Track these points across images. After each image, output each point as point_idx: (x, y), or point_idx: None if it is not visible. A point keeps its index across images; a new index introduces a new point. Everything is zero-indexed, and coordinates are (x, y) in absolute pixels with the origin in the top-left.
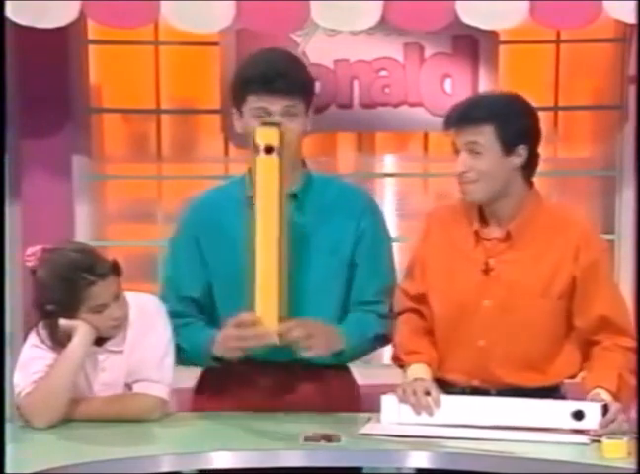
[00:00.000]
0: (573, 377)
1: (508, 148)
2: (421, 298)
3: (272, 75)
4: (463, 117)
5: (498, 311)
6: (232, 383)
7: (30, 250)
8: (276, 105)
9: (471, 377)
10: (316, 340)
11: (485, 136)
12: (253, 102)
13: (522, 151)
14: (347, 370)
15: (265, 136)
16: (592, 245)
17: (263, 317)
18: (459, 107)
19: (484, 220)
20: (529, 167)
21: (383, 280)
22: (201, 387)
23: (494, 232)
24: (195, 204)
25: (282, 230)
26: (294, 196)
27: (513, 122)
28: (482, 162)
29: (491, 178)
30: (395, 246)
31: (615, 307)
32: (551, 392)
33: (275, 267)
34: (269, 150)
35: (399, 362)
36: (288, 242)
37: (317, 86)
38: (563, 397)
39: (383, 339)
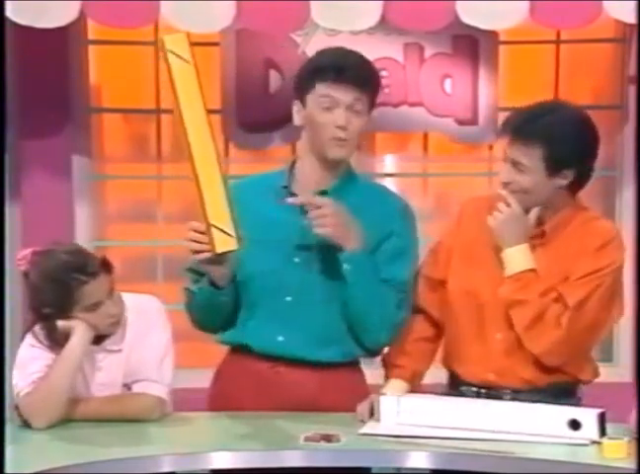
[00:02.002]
0: (590, 380)
1: (552, 171)
2: (442, 284)
3: (345, 65)
4: (515, 131)
5: None
6: (237, 379)
7: (21, 254)
8: (344, 95)
9: (487, 370)
10: (330, 220)
11: (531, 157)
12: (321, 90)
13: (568, 173)
14: (359, 371)
15: (171, 43)
16: (609, 253)
17: (217, 223)
18: (517, 116)
19: None
20: (578, 183)
21: (396, 276)
22: (215, 385)
23: None
24: (235, 187)
25: (214, 137)
26: (324, 193)
27: (562, 147)
28: (524, 179)
29: (531, 194)
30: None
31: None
32: (567, 392)
33: (217, 172)
34: (180, 57)
35: (384, 369)
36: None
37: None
38: (579, 399)
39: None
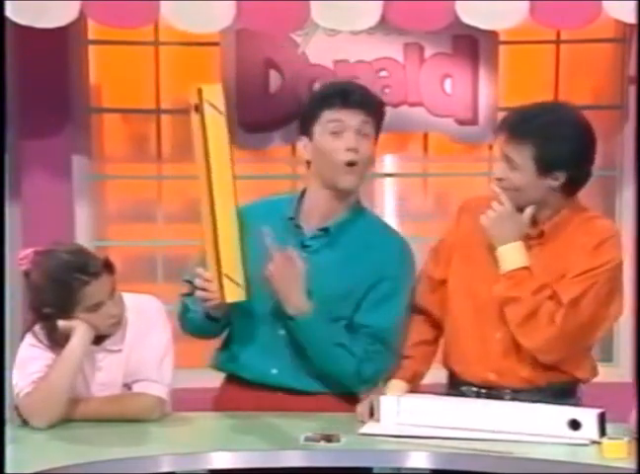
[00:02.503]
0: (589, 379)
1: (543, 171)
2: (443, 284)
3: (350, 90)
4: (511, 128)
5: None
6: (232, 404)
7: (22, 253)
8: (352, 118)
9: (486, 370)
10: (281, 277)
11: (522, 155)
12: (329, 115)
13: (560, 175)
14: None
15: (208, 93)
16: (606, 251)
17: (230, 273)
18: (515, 114)
19: None
20: (571, 186)
21: (384, 322)
22: (214, 405)
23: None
24: (244, 209)
25: (235, 188)
26: (327, 230)
27: (553, 148)
28: (516, 176)
29: (524, 192)
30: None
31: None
32: (567, 391)
33: (234, 222)
34: (215, 107)
35: None
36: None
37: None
38: (579, 399)
39: (355, 366)
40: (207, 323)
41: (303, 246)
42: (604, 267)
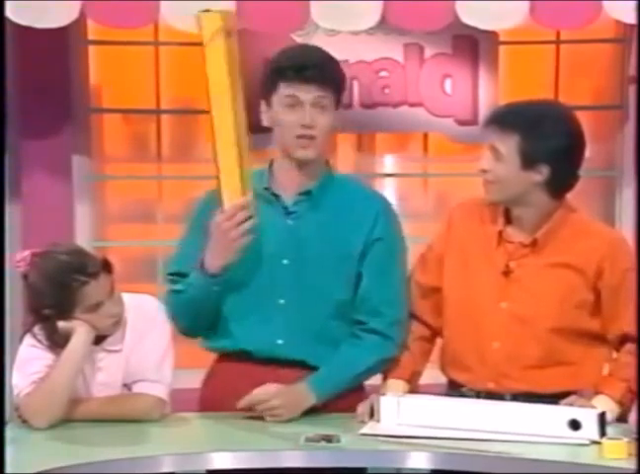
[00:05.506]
0: (587, 386)
1: (527, 163)
2: (434, 291)
3: (306, 64)
4: (498, 118)
5: (514, 314)
6: (235, 383)
7: (19, 255)
8: (307, 94)
9: (485, 379)
10: (282, 410)
11: (506, 145)
12: (284, 89)
13: (544, 169)
14: None
15: (211, 22)
16: (617, 264)
17: (229, 194)
18: (504, 107)
19: (509, 221)
20: (555, 184)
21: (388, 292)
22: (206, 388)
23: (517, 236)
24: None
25: (239, 113)
26: (309, 193)
27: (537, 140)
28: (500, 168)
29: (507, 185)
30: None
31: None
32: (567, 396)
33: (234, 147)
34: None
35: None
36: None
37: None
38: None
39: (380, 364)
40: (208, 285)
41: (287, 213)
42: (631, 276)
